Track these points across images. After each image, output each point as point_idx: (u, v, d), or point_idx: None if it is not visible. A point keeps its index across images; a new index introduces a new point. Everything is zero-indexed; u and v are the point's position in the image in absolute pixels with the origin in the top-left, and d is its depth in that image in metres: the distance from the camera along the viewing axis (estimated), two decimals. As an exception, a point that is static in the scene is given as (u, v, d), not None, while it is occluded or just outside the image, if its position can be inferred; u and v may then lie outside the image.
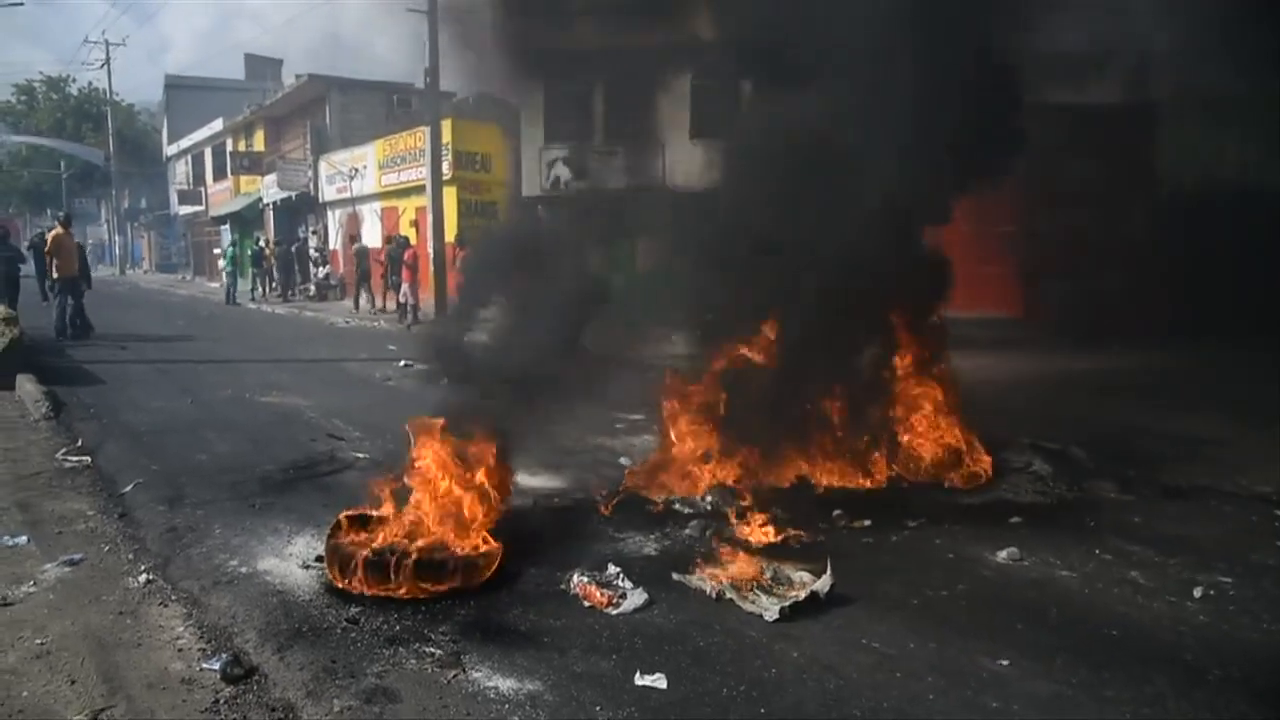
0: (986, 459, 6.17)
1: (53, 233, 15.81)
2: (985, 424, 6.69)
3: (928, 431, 6.20)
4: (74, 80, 51.23)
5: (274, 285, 27.63)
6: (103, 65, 45.69)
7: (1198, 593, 4.22)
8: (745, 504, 5.31)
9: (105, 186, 48.98)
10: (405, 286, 19.23)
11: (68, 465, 6.52)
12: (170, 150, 44.94)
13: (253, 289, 27.57)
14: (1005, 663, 3.55)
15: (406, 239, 20.89)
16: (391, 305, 20.70)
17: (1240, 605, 4.11)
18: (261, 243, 29.09)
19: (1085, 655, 3.61)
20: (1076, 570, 4.56)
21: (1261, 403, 8.03)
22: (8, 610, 4.01)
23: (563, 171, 20.16)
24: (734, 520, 5.14)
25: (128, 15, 76.35)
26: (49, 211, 54.07)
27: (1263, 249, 13.62)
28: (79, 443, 7.21)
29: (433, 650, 3.67)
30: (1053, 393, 9.57)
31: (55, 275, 15.06)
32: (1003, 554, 4.74)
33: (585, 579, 4.24)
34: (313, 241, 28.37)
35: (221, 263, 28.17)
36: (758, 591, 4.16)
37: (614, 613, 4.02)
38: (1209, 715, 3.17)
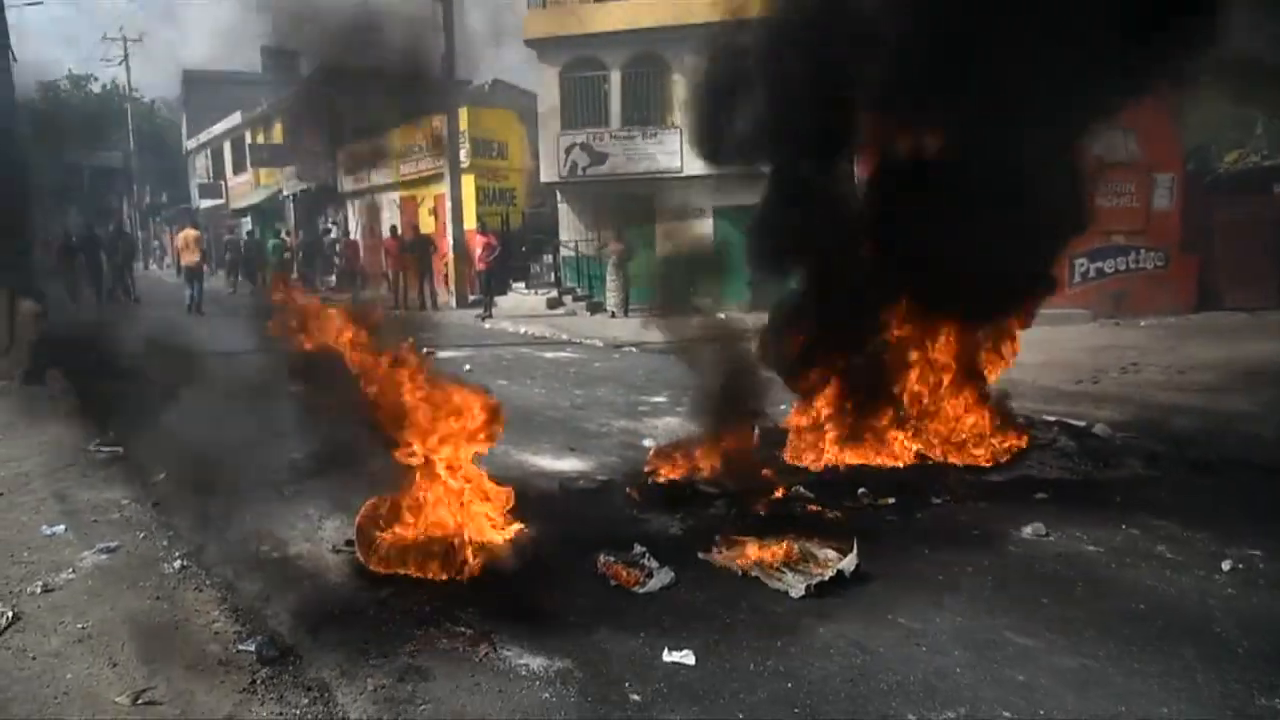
0: (1012, 436, 6.14)
1: (184, 231, 20.90)
2: (1010, 400, 6.68)
3: (953, 409, 6.18)
4: (96, 79, 51.55)
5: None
6: (121, 62, 45.99)
7: (1226, 566, 4.21)
8: (770, 483, 5.33)
9: (126, 182, 49.26)
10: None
11: (100, 456, 6.63)
12: (190, 144, 45.16)
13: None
14: (1031, 637, 3.56)
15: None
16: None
17: (1270, 578, 4.09)
18: (283, 235, 29.18)
19: (1112, 629, 3.61)
20: (1103, 545, 4.55)
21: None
22: (49, 596, 4.10)
23: (580, 157, 20.16)
24: (758, 500, 5.16)
25: (145, 11, 76.76)
26: (73, 210, 54.45)
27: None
28: (110, 434, 7.32)
29: (463, 630, 3.71)
30: (1082, 369, 9.49)
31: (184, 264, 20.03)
32: (1028, 530, 4.73)
33: (611, 559, 4.28)
34: (334, 232, 28.46)
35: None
36: (783, 569, 4.17)
37: (640, 591, 4.06)
38: (1240, 687, 3.16)
